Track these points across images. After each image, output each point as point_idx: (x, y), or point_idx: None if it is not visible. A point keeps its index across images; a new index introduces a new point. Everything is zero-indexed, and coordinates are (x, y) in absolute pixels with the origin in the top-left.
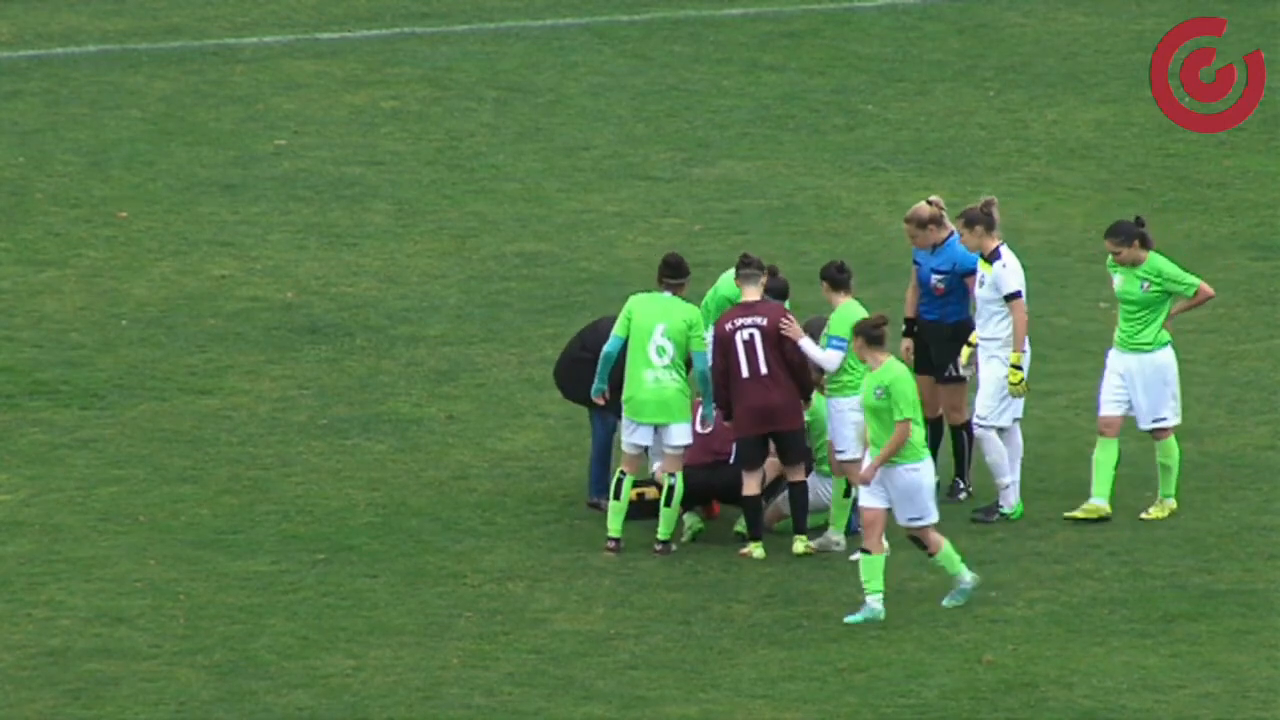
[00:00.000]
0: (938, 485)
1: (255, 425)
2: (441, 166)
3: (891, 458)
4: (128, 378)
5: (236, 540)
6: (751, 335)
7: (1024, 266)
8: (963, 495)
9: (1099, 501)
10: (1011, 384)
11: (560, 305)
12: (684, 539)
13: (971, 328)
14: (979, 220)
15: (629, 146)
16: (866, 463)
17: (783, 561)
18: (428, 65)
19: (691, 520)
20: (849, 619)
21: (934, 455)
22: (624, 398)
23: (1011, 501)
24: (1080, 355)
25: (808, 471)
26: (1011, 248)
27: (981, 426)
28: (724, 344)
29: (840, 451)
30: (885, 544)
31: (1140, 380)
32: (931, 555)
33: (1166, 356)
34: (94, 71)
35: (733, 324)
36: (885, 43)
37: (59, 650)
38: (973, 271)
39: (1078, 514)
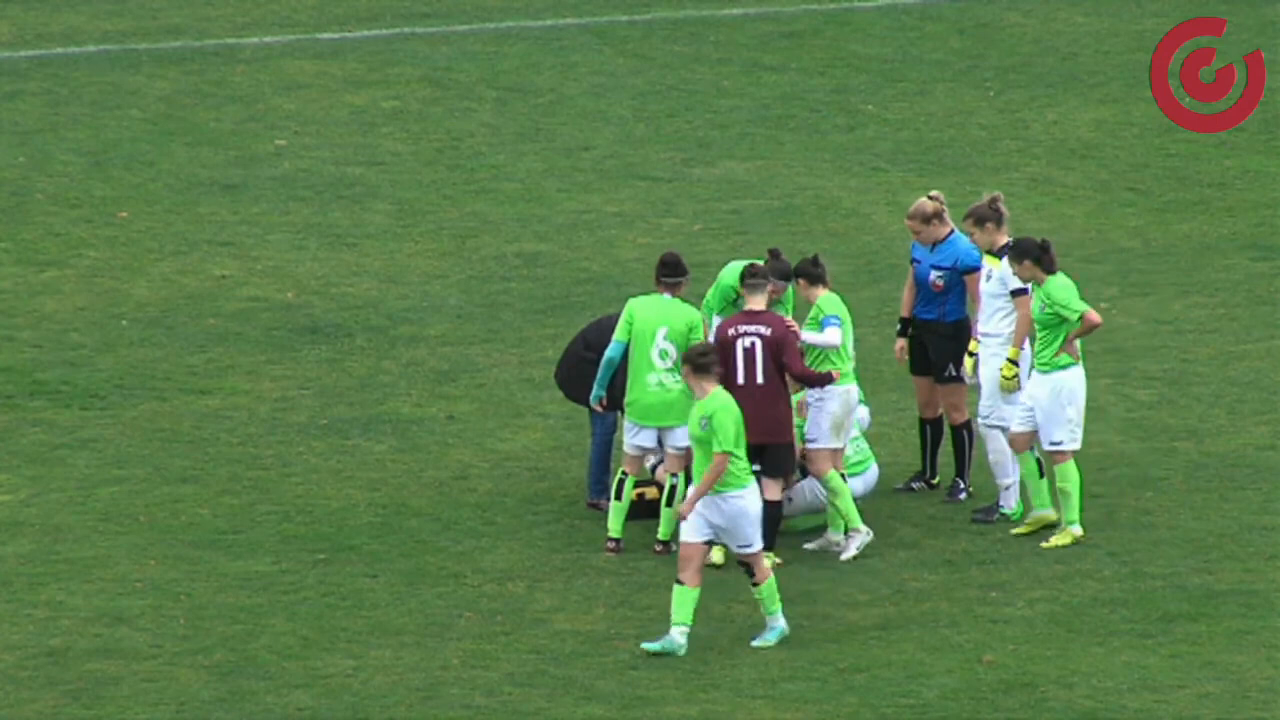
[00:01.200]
0: (938, 485)
1: (255, 425)
2: (441, 166)
3: (713, 488)
4: (128, 378)
5: (236, 540)
6: (753, 344)
7: None
8: (963, 495)
9: (1041, 512)
10: (1004, 378)
11: (560, 305)
12: None
13: (970, 326)
14: (989, 217)
15: (629, 146)
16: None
17: (783, 561)
18: (428, 65)
19: None
20: (647, 645)
21: (935, 455)
22: (627, 401)
23: (1012, 503)
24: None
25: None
26: None
27: (986, 425)
28: (724, 349)
29: (811, 440)
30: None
31: (1040, 400)
32: (755, 585)
33: (1066, 379)
34: (94, 71)
35: (735, 330)
36: (885, 43)
37: (59, 650)
38: (973, 269)
39: (1023, 529)
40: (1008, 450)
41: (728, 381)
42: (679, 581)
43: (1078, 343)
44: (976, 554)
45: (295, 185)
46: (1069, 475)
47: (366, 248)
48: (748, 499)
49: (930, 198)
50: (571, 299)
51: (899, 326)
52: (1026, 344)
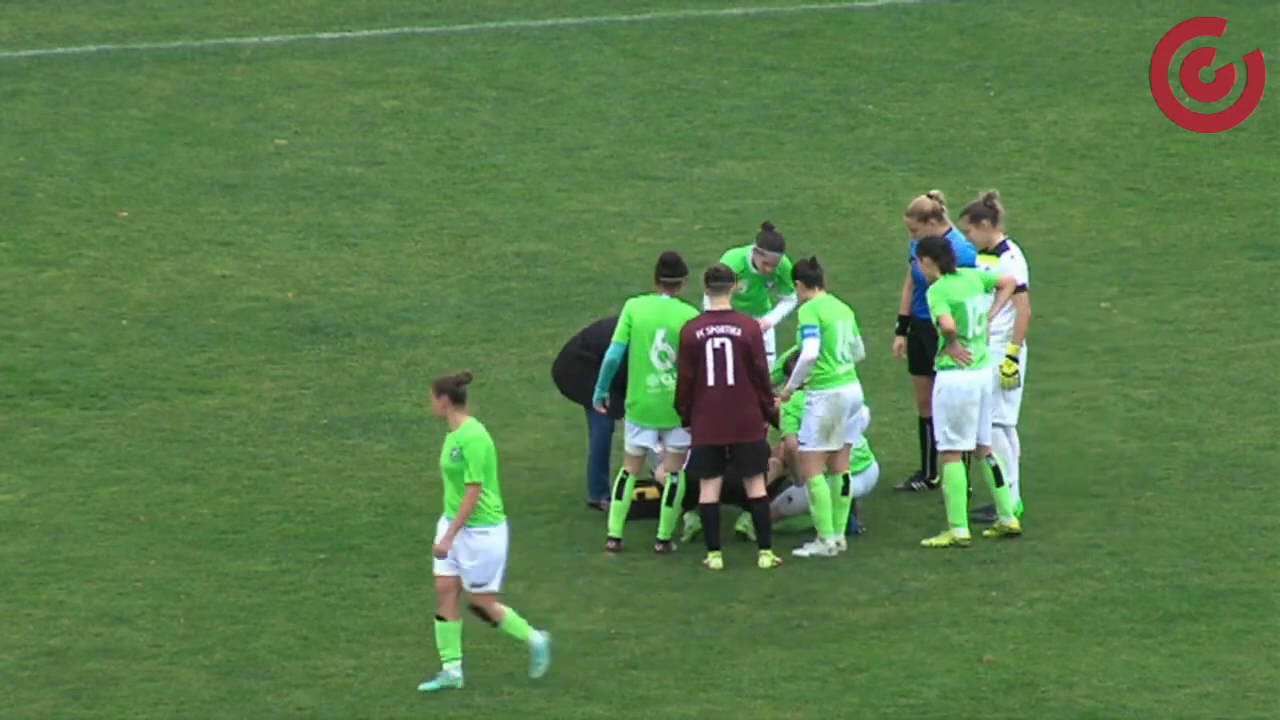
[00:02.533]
0: (938, 484)
1: (255, 425)
2: (441, 166)
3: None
4: (128, 378)
5: (237, 540)
6: (723, 344)
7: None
8: None
9: (1005, 520)
10: (1004, 374)
11: (560, 305)
12: (684, 539)
13: None
14: (984, 214)
15: (629, 146)
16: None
17: (783, 561)
18: (428, 65)
19: (692, 520)
20: (423, 686)
21: (935, 455)
22: (627, 402)
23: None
24: (1080, 355)
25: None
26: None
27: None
28: (692, 351)
29: (801, 443)
30: (459, 612)
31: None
32: (496, 624)
33: (942, 380)
34: (94, 71)
35: (703, 332)
36: (885, 43)
37: (59, 650)
38: (969, 266)
39: (936, 541)
40: (1007, 449)
41: (698, 383)
42: (439, 617)
43: (971, 347)
44: (976, 554)
45: (295, 185)
46: (947, 477)
47: (366, 248)
48: (493, 536)
49: (930, 196)
50: (571, 299)
51: (897, 325)
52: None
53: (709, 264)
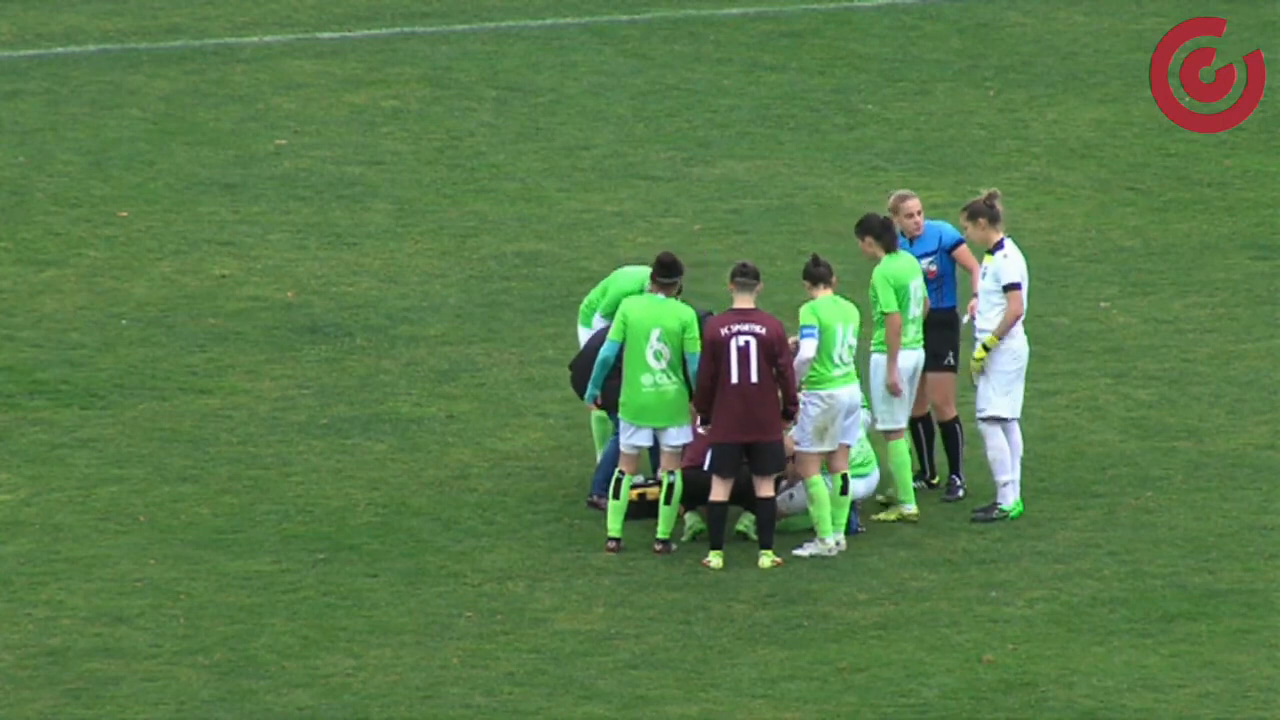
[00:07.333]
0: (938, 484)
1: (255, 425)
2: (441, 166)
3: None
4: (128, 377)
5: (236, 540)
6: (747, 343)
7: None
8: (960, 493)
9: (905, 507)
10: (974, 359)
11: (560, 305)
12: (684, 539)
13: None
14: (982, 213)
15: (629, 146)
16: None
17: (782, 560)
18: (428, 65)
19: (692, 520)
20: None
21: (932, 454)
22: (621, 400)
23: (1010, 499)
24: (1080, 355)
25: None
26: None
27: (984, 420)
28: (715, 349)
29: (797, 443)
30: None
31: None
32: None
33: (875, 362)
34: (94, 71)
35: (728, 329)
36: (885, 43)
37: (59, 650)
38: (959, 242)
39: (885, 516)
40: (1005, 447)
41: (720, 381)
42: None
43: (911, 328)
44: (976, 554)
45: (295, 185)
46: (890, 454)
47: (366, 248)
48: None
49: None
50: (571, 299)
51: None
52: (1023, 335)
53: (709, 264)
